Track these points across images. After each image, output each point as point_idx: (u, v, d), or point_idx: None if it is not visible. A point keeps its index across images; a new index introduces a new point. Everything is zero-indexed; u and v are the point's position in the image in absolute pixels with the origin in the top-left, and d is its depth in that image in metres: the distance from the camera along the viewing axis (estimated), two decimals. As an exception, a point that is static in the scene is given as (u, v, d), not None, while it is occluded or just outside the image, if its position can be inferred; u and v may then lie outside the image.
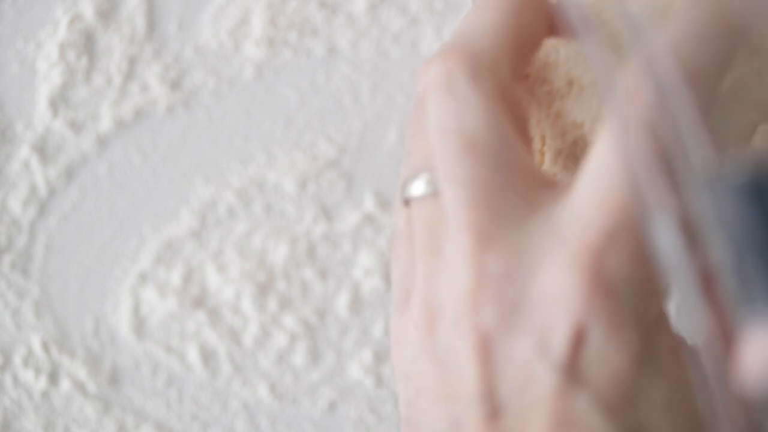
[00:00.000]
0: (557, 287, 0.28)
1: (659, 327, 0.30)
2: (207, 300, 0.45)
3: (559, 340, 0.28)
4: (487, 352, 0.29)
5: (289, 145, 0.44)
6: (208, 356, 0.45)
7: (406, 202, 0.33)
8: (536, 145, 0.34)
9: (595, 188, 0.28)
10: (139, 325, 0.45)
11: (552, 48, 0.33)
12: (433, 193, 0.31)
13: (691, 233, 0.26)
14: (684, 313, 0.27)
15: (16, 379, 0.45)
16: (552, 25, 0.32)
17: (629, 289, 0.28)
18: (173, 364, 0.45)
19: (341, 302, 0.45)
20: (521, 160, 0.30)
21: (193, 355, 0.45)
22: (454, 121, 0.30)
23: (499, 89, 0.30)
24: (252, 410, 0.45)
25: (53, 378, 0.45)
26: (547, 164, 0.34)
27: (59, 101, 0.44)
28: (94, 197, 0.45)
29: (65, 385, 0.45)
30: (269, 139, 0.44)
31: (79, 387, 0.45)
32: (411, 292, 0.32)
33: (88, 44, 0.44)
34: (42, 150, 0.44)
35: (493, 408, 0.29)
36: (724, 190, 0.24)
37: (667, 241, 0.26)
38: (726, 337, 0.26)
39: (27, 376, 0.45)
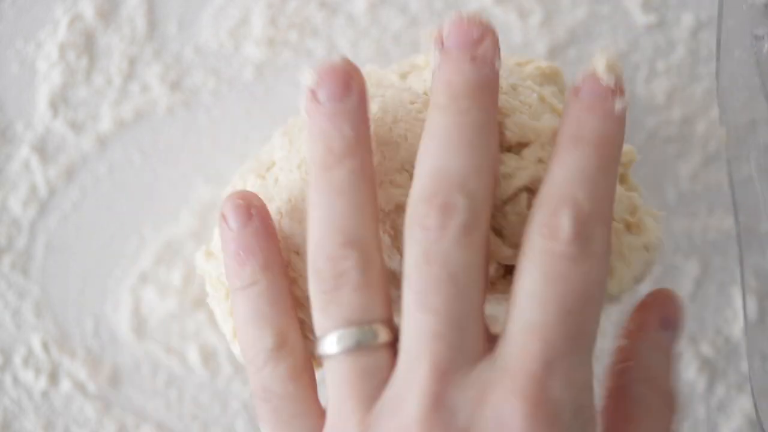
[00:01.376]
0: (502, 415, 0.30)
1: None
2: (207, 300, 0.45)
3: None
4: None
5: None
6: (208, 356, 0.45)
7: (321, 358, 0.33)
8: None
9: (524, 320, 0.31)
10: (139, 325, 0.45)
11: None
12: (364, 345, 0.32)
13: None
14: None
15: (16, 379, 0.45)
16: None
17: (571, 414, 0.31)
18: (173, 364, 0.45)
19: (341, 302, 0.45)
20: (483, 305, 0.32)
21: (193, 355, 0.45)
22: (442, 254, 0.31)
23: (485, 235, 0.32)
24: (252, 410, 0.45)
25: (53, 378, 0.45)
26: None
27: (59, 101, 0.44)
28: (94, 197, 0.45)
29: (65, 385, 0.45)
30: (269, 139, 0.44)
31: (79, 387, 0.45)
32: None
33: (88, 44, 0.44)
34: (42, 150, 0.44)
35: None
36: None
37: None
38: None
39: (27, 376, 0.45)
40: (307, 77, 0.34)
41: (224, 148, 0.44)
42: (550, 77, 0.39)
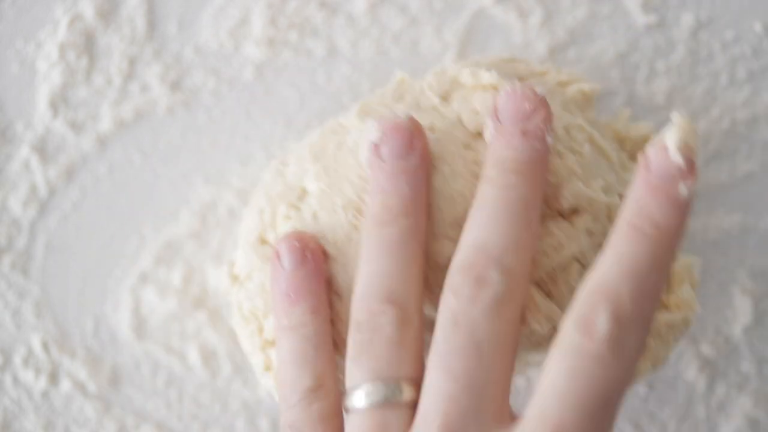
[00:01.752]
0: None
1: None
2: (207, 300, 0.45)
3: None
4: None
5: (289, 145, 0.44)
6: (208, 356, 0.45)
7: (347, 409, 0.34)
8: None
9: (541, 408, 0.31)
10: (139, 325, 0.45)
11: None
12: (390, 401, 0.33)
13: None
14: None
15: (16, 379, 0.45)
16: None
17: None
18: (173, 364, 0.45)
19: (341, 302, 0.45)
20: (509, 376, 0.33)
21: (193, 355, 0.45)
22: (470, 322, 0.32)
23: (518, 310, 0.33)
24: (252, 410, 0.45)
25: (53, 378, 0.45)
26: None
27: (59, 101, 0.44)
28: (94, 197, 0.45)
29: (65, 385, 0.45)
30: (269, 139, 0.44)
31: (79, 387, 0.45)
32: None
33: (88, 44, 0.44)
34: (42, 150, 0.44)
35: None
36: None
37: None
38: None
39: (27, 376, 0.45)
40: (371, 131, 0.35)
41: (224, 148, 0.45)
42: (591, 98, 0.39)
